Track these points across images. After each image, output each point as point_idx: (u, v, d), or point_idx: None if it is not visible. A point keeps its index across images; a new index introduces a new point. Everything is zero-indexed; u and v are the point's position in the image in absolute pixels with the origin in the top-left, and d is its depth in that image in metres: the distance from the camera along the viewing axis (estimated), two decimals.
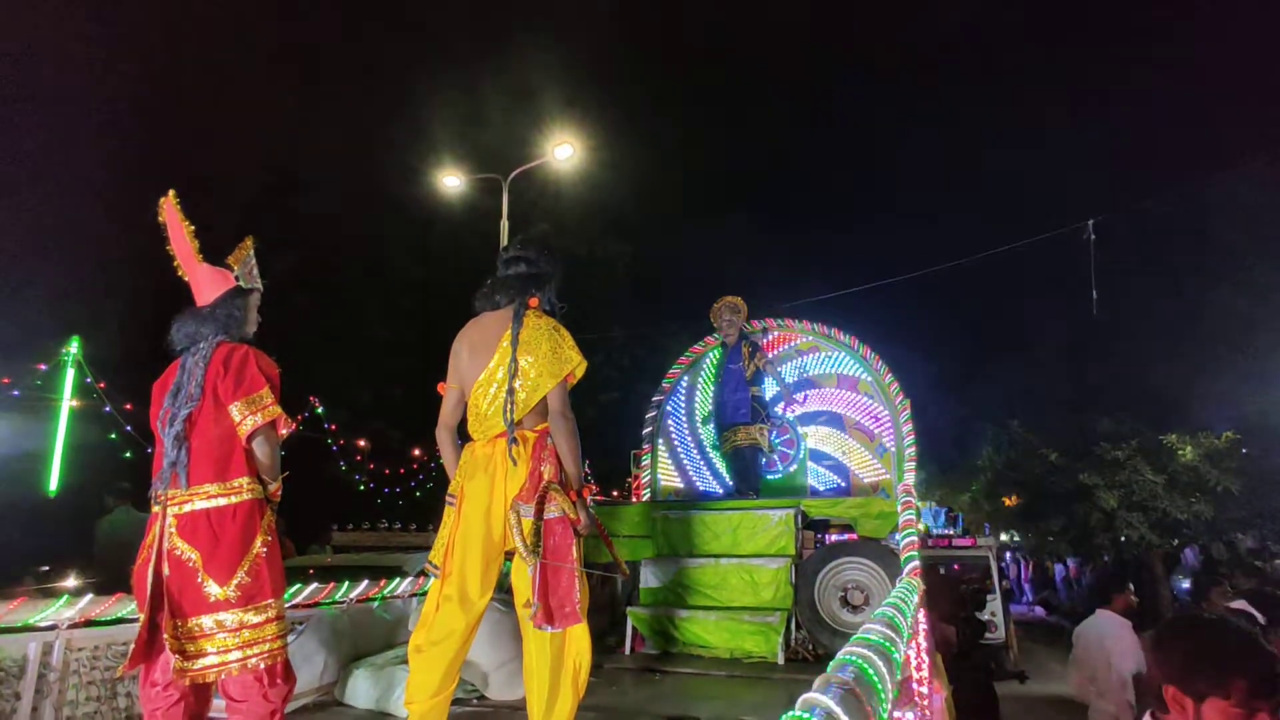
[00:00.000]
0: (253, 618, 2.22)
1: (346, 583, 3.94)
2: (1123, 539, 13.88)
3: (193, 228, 2.48)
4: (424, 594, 2.94)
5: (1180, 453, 12.92)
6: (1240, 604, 3.83)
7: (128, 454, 8.44)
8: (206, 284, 2.50)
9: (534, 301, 2.64)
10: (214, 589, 2.18)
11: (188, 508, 2.25)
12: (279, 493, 2.42)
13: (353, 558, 7.21)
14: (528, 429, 2.51)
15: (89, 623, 2.85)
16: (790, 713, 0.61)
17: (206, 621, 2.18)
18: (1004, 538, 22.22)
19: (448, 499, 2.54)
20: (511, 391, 2.47)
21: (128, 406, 8.52)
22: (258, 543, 2.28)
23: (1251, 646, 1.47)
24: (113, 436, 8.62)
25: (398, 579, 4.24)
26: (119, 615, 2.91)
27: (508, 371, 2.49)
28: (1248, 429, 12.84)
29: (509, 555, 2.55)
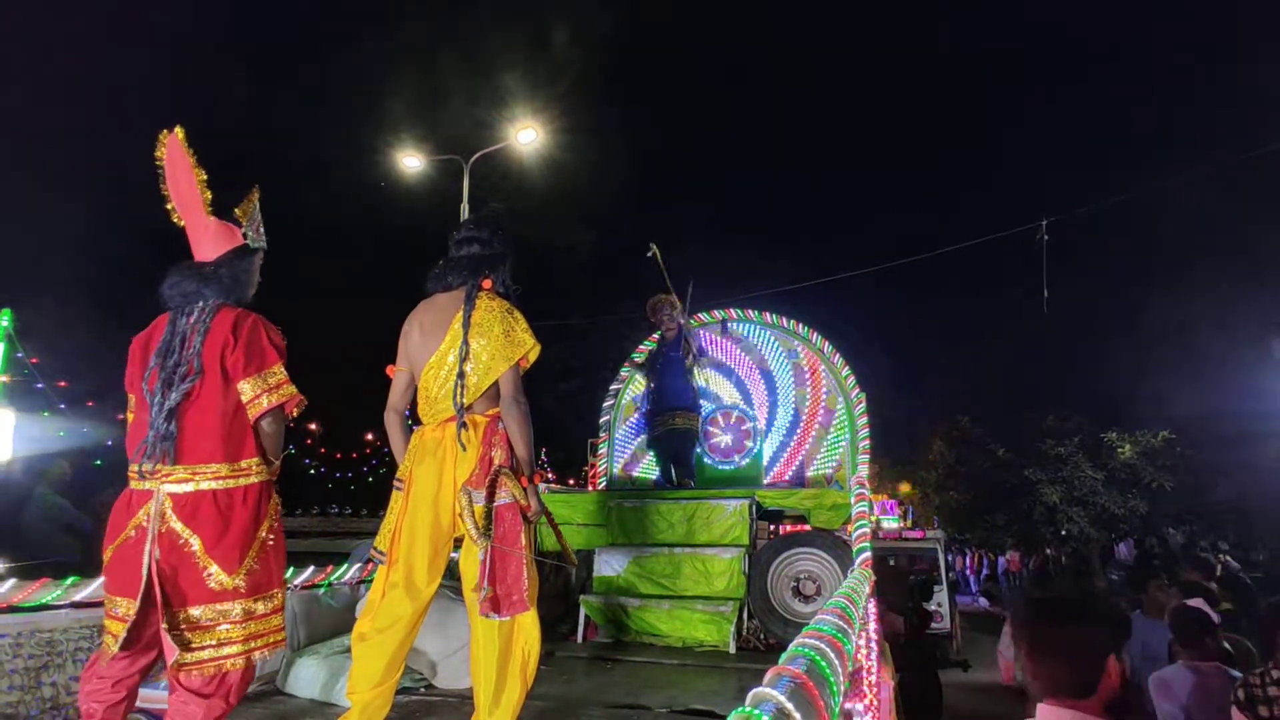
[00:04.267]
0: (260, 608, 2.07)
1: (291, 569, 3.83)
2: (1064, 533, 14.37)
3: (205, 176, 2.24)
4: (372, 581, 2.87)
5: (1119, 450, 13.42)
6: (1197, 602, 3.95)
7: (61, 433, 8.10)
8: (209, 238, 2.26)
9: (487, 283, 2.56)
10: (219, 577, 2.00)
11: (189, 487, 2.04)
12: (279, 471, 2.24)
13: (300, 543, 7.05)
14: (478, 413, 2.45)
15: (11, 608, 2.71)
16: (741, 708, 0.58)
17: (205, 612, 2.00)
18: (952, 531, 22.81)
19: (395, 484, 2.47)
20: (462, 375, 2.40)
21: (61, 384, 8.17)
22: (265, 527, 2.12)
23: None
24: (45, 414, 8.27)
25: (345, 565, 4.14)
26: (43, 601, 2.77)
27: (458, 354, 2.42)
28: (1182, 428, 13.39)
29: (458, 542, 2.49)
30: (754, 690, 0.62)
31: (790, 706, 0.59)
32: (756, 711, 0.56)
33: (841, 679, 0.91)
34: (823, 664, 0.81)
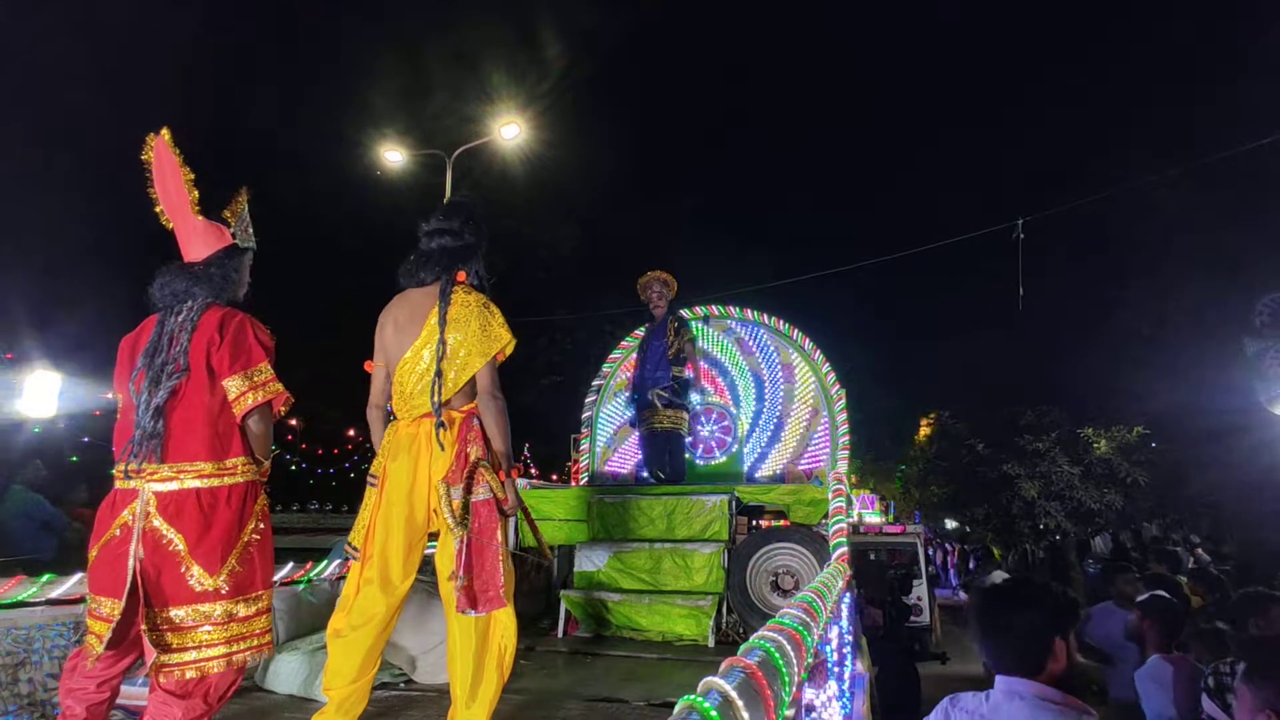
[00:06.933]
0: (242, 610, 2.04)
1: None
2: (1041, 527, 14.58)
3: (192, 175, 2.23)
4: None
5: (1095, 445, 13.62)
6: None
7: (36, 429, 8.00)
8: (199, 239, 2.26)
9: (461, 276, 2.54)
10: (201, 578, 1.98)
11: (173, 485, 2.02)
12: (268, 472, 2.25)
13: (282, 539, 7.03)
14: (455, 409, 2.45)
15: None
16: (687, 696, 0.61)
17: (187, 613, 1.98)
18: (934, 524, 23.05)
19: (369, 479, 2.47)
20: (440, 373, 2.39)
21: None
22: (250, 528, 2.10)
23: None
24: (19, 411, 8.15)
25: (325, 561, 4.14)
26: (19, 598, 2.76)
27: (434, 351, 2.41)
28: (1156, 424, 13.60)
29: (433, 537, 2.50)
30: (704, 679, 0.65)
31: (734, 695, 0.62)
32: (701, 699, 0.59)
33: (797, 671, 0.94)
34: (777, 656, 0.84)
